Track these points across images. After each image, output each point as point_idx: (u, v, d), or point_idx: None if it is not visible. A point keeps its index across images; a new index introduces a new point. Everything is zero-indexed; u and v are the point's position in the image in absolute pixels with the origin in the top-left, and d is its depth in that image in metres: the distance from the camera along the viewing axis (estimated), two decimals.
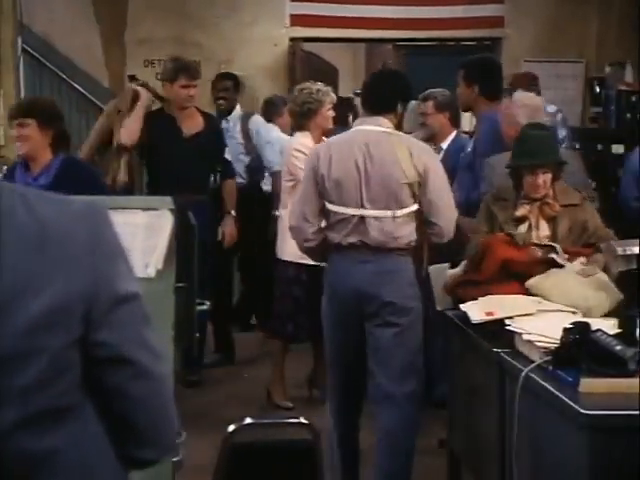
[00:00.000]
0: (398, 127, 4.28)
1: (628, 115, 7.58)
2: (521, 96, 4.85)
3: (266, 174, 7.00)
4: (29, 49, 8.73)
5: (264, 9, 9.80)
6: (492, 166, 4.59)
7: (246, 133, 6.75)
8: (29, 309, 1.41)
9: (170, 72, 5.89)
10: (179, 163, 5.64)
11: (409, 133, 4.90)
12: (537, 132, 4.19)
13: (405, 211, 4.07)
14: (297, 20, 9.86)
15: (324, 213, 4.17)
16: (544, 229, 4.07)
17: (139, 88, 5.97)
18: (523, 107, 4.69)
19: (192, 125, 5.89)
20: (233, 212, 6.15)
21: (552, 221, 4.09)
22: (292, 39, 9.90)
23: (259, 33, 9.80)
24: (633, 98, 7.70)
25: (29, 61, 8.79)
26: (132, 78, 9.50)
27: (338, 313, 4.16)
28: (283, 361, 5.85)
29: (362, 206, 4.06)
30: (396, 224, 4.06)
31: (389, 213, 4.05)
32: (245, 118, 6.87)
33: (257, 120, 6.92)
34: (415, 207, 4.10)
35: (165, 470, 2.83)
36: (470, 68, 4.85)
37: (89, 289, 1.47)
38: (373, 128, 4.16)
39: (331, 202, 4.12)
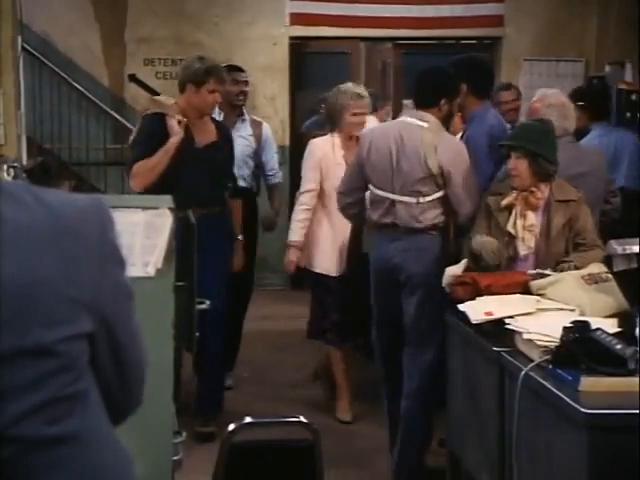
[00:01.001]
0: (445, 122, 4.62)
1: (628, 114, 7.56)
2: (546, 94, 4.87)
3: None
4: (29, 48, 8.74)
5: (264, 8, 9.81)
6: None
7: (258, 136, 6.23)
8: (43, 300, 1.43)
9: (199, 74, 5.13)
10: (193, 176, 5.00)
11: None
12: (529, 122, 4.35)
13: (428, 199, 4.45)
14: (296, 19, 9.86)
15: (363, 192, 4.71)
16: (530, 219, 4.11)
17: (175, 123, 4.99)
18: (550, 107, 4.73)
19: (206, 135, 5.25)
20: (240, 236, 5.62)
21: (545, 214, 4.10)
22: (292, 38, 9.91)
23: (259, 32, 9.81)
24: (633, 97, 7.68)
25: (29, 60, 8.80)
26: (132, 77, 9.56)
27: (377, 281, 4.64)
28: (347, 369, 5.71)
29: (393, 191, 4.49)
30: (421, 209, 4.47)
31: (414, 199, 4.46)
32: (256, 121, 6.38)
33: (267, 126, 6.48)
34: (439, 194, 4.47)
35: (165, 469, 2.83)
36: (458, 67, 4.86)
37: (95, 279, 1.50)
38: (411, 121, 4.55)
39: (371, 183, 4.60)
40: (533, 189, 4.10)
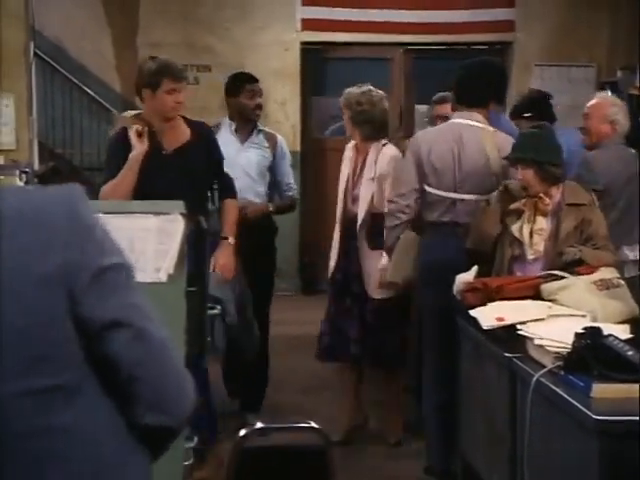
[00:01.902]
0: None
1: None
2: (607, 96, 5.25)
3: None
4: (41, 54, 8.79)
5: (275, 14, 9.83)
6: (589, 162, 5.00)
7: (273, 150, 5.82)
8: (15, 288, 1.47)
9: (150, 75, 4.63)
10: (163, 184, 4.42)
11: None
12: (530, 131, 4.37)
13: (487, 197, 4.45)
14: (308, 25, 9.88)
15: (420, 194, 4.66)
16: (540, 223, 4.13)
17: (133, 135, 4.54)
18: (614, 106, 5.08)
19: (175, 138, 4.74)
20: (231, 239, 4.84)
21: (555, 217, 4.11)
22: (303, 43, 9.93)
23: (270, 37, 9.83)
24: None
25: (41, 65, 8.84)
26: None
27: (428, 279, 4.62)
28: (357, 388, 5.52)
29: (454, 190, 4.56)
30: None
31: (473, 197, 4.53)
32: (270, 134, 5.93)
33: (282, 139, 6.05)
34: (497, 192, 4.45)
35: (176, 474, 2.84)
36: (472, 71, 4.89)
37: (67, 264, 1.52)
38: (466, 122, 4.62)
39: (429, 185, 4.60)
40: (541, 195, 4.11)
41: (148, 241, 2.82)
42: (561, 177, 4.14)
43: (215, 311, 3.54)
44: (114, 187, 4.48)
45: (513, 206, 4.20)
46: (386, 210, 4.87)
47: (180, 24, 9.80)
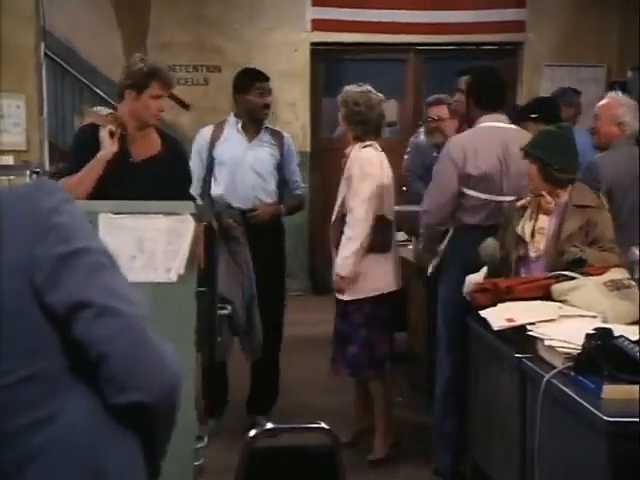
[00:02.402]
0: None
1: None
2: (617, 96, 5.25)
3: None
4: (51, 54, 8.79)
5: (285, 14, 9.83)
6: (598, 164, 5.01)
7: (280, 148, 5.70)
8: None
9: (140, 76, 4.43)
10: (124, 192, 3.91)
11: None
12: (548, 129, 4.34)
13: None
14: (318, 25, 9.88)
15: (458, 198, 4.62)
16: (542, 221, 4.14)
17: (106, 134, 4.32)
18: (623, 106, 5.11)
19: (145, 148, 4.47)
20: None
21: (559, 217, 4.10)
22: (313, 44, 9.93)
23: (280, 38, 9.84)
24: None
25: (52, 66, 8.85)
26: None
27: (461, 279, 4.37)
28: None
29: (500, 193, 4.56)
30: None
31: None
32: (277, 132, 5.81)
33: (289, 136, 5.94)
34: None
35: (187, 474, 2.84)
36: (471, 76, 4.89)
37: (28, 257, 1.56)
38: (502, 125, 4.67)
39: (474, 189, 4.57)
40: (543, 193, 4.10)
41: (158, 241, 2.83)
42: (565, 181, 4.12)
43: (225, 311, 3.54)
44: (76, 183, 4.18)
45: (519, 203, 4.23)
46: (424, 221, 4.76)
47: (190, 25, 9.81)
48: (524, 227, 4.15)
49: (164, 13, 9.82)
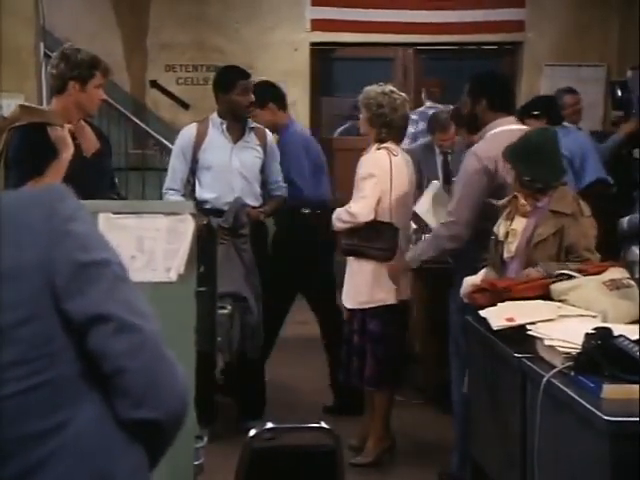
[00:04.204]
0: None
1: None
2: None
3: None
4: (51, 54, 8.78)
5: (285, 14, 9.84)
6: None
7: (264, 147, 5.54)
8: None
9: (83, 67, 4.29)
10: (83, 190, 3.59)
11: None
12: (528, 136, 4.20)
13: None
14: (318, 25, 9.88)
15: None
16: (517, 223, 4.08)
17: (66, 134, 4.14)
18: None
19: (89, 141, 4.38)
20: None
21: (537, 221, 4.05)
22: (313, 44, 9.93)
23: (280, 38, 9.84)
24: None
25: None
26: (153, 83, 9.61)
27: None
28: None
29: None
30: None
31: None
32: (259, 129, 5.62)
33: (270, 133, 5.77)
34: None
35: (186, 474, 2.84)
36: (478, 82, 4.86)
37: (47, 262, 1.54)
38: (519, 127, 4.53)
39: (500, 198, 4.27)
40: (517, 194, 4.09)
41: (158, 241, 2.83)
42: (537, 189, 4.04)
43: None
44: None
45: (500, 202, 4.21)
46: (445, 231, 4.56)
47: (190, 24, 9.81)
48: (499, 227, 4.14)
49: (164, 13, 9.82)
